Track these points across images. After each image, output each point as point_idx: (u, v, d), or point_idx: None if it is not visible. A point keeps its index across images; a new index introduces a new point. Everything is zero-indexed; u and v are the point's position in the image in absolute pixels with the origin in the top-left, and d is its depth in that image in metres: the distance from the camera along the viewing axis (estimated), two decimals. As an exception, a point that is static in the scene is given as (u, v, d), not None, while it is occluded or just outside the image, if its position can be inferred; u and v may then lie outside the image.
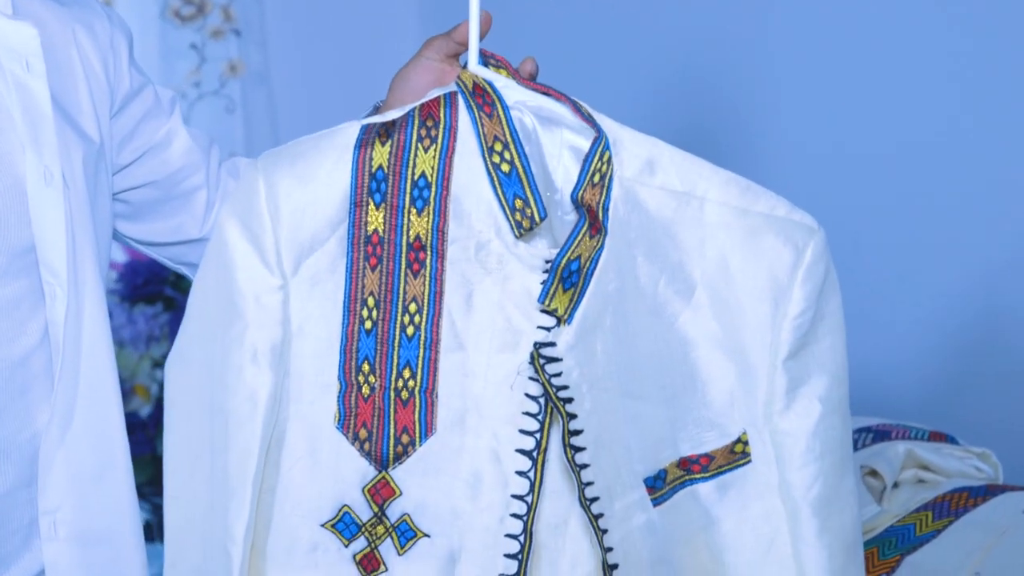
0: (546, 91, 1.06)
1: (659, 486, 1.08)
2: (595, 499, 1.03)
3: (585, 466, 1.02)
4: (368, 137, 1.05)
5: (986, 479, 1.79)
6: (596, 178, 1.04)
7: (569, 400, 1.02)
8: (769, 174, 2.46)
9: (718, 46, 2.66)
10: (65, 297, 1.14)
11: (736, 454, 1.09)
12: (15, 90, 1.14)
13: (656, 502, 1.07)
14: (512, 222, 1.03)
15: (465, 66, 1.09)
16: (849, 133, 2.40)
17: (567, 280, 1.02)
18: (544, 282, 1.03)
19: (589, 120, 1.05)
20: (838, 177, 2.40)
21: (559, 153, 1.08)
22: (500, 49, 1.14)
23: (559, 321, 1.03)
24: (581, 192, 1.03)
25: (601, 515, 1.04)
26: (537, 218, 1.02)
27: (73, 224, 1.15)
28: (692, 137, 2.49)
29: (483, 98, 1.05)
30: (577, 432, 1.02)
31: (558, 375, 1.01)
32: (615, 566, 1.06)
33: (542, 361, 1.01)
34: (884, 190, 2.33)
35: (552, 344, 1.00)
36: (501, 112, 1.05)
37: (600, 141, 1.03)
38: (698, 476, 1.09)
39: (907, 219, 2.28)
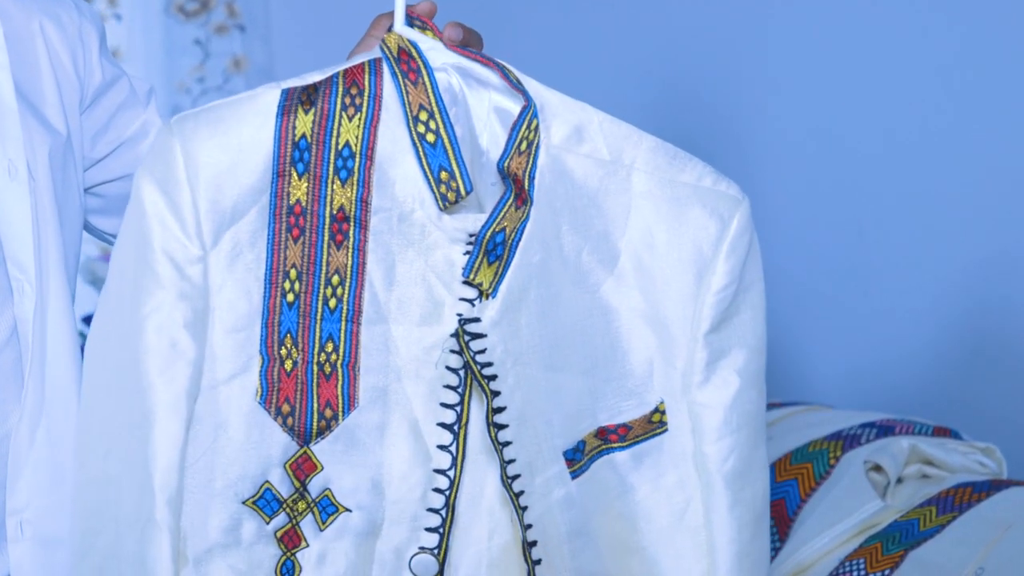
0: (473, 57, 1.06)
1: (578, 458, 1.08)
2: (516, 476, 1.04)
3: (508, 443, 1.03)
4: (291, 103, 1.02)
5: (990, 474, 1.82)
6: (523, 146, 1.03)
7: (493, 377, 1.02)
8: (771, 165, 2.49)
9: (713, 39, 2.67)
10: (34, 293, 1.12)
11: (653, 424, 1.10)
12: None
13: (575, 475, 1.08)
14: (437, 194, 1.02)
15: (391, 29, 1.06)
16: (851, 125, 2.42)
17: (491, 253, 1.02)
18: (469, 255, 1.03)
19: (518, 87, 1.04)
20: (842, 170, 2.42)
21: (486, 116, 1.07)
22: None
23: (482, 294, 1.03)
24: (508, 161, 1.02)
25: (522, 492, 1.04)
26: (463, 191, 1.02)
27: (39, 218, 1.14)
28: (690, 126, 2.52)
29: (408, 64, 1.04)
30: (500, 409, 1.02)
31: (482, 352, 1.01)
32: (534, 543, 1.07)
33: (467, 338, 1.01)
34: (888, 182, 2.36)
35: (476, 320, 1.01)
36: (426, 78, 1.03)
37: (529, 109, 1.02)
38: (615, 445, 1.10)
39: (911, 211, 2.30)
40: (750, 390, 1.11)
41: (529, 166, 1.04)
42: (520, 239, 1.03)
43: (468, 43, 1.09)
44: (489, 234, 1.02)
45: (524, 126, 1.02)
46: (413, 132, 1.03)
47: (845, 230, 2.41)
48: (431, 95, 1.03)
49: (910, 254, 2.33)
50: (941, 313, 2.27)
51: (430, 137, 1.03)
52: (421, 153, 1.03)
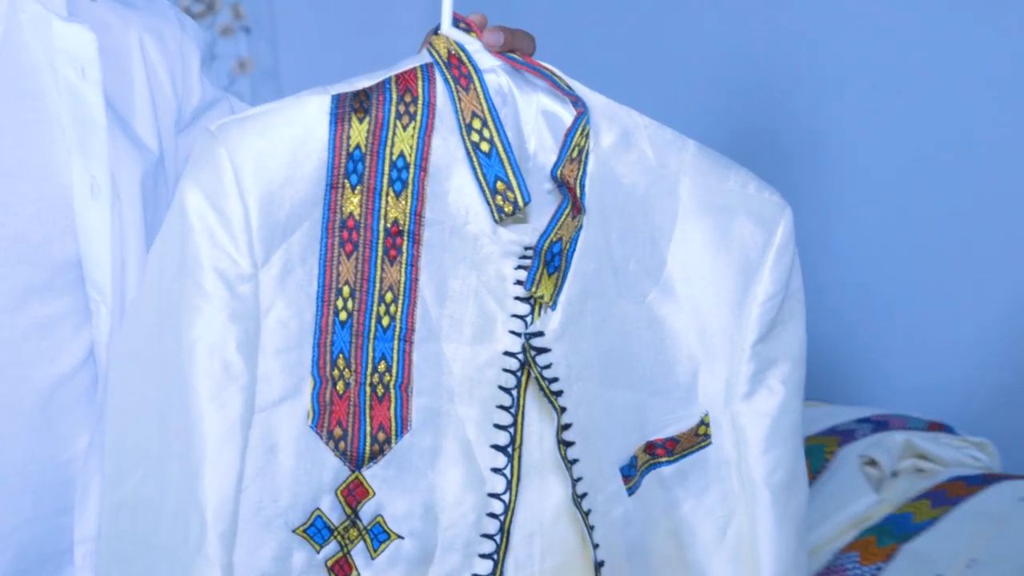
0: (516, 65, 1.03)
1: (632, 474, 1.05)
2: (584, 495, 1.00)
3: (576, 461, 0.99)
4: (343, 111, 0.97)
5: (983, 468, 1.85)
6: (575, 153, 0.99)
7: (559, 393, 0.98)
8: (829, 187, 2.46)
9: (775, 49, 2.65)
10: (109, 316, 1.07)
11: (699, 436, 1.07)
12: (67, 96, 1.09)
13: (630, 492, 1.05)
14: (492, 206, 0.98)
15: (437, 31, 1.02)
16: (925, 134, 2.38)
17: (550, 264, 0.98)
18: (522, 268, 0.99)
19: (569, 92, 1.00)
20: (913, 177, 2.39)
21: (535, 120, 1.04)
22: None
23: (535, 308, 1.00)
24: (561, 169, 0.98)
25: (589, 511, 1.01)
26: (521, 203, 0.97)
27: (123, 239, 1.09)
28: (756, 139, 2.52)
29: (459, 69, 1.00)
30: (567, 426, 0.98)
31: (548, 367, 0.98)
32: (602, 563, 1.03)
33: (532, 352, 0.97)
34: (962, 188, 2.31)
35: (540, 334, 0.97)
36: (478, 84, 0.99)
37: (584, 116, 0.99)
38: (663, 460, 1.07)
39: (983, 222, 2.26)
40: (795, 400, 1.09)
41: (580, 173, 1.00)
42: (575, 249, 0.99)
43: (514, 45, 1.04)
44: (547, 245, 0.97)
45: (579, 132, 0.99)
46: (467, 141, 0.98)
47: (914, 238, 2.39)
48: (483, 102, 0.99)
49: (981, 264, 2.30)
50: (1011, 326, 2.23)
51: (484, 146, 0.98)
52: (476, 163, 0.98)
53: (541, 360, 0.97)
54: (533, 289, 0.98)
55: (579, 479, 0.99)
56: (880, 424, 1.97)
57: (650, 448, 1.06)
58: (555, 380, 0.98)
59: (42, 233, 1.08)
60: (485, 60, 1.00)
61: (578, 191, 0.99)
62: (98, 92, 1.10)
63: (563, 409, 0.98)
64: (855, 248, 2.40)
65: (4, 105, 1.10)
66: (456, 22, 1.01)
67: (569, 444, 0.99)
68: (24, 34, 1.10)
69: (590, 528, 1.02)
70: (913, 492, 1.80)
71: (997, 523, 1.65)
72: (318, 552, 1.00)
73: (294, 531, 0.98)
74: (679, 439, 1.07)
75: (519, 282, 1.00)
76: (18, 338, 1.08)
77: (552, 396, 0.98)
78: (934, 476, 1.83)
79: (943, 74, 2.28)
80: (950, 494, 1.75)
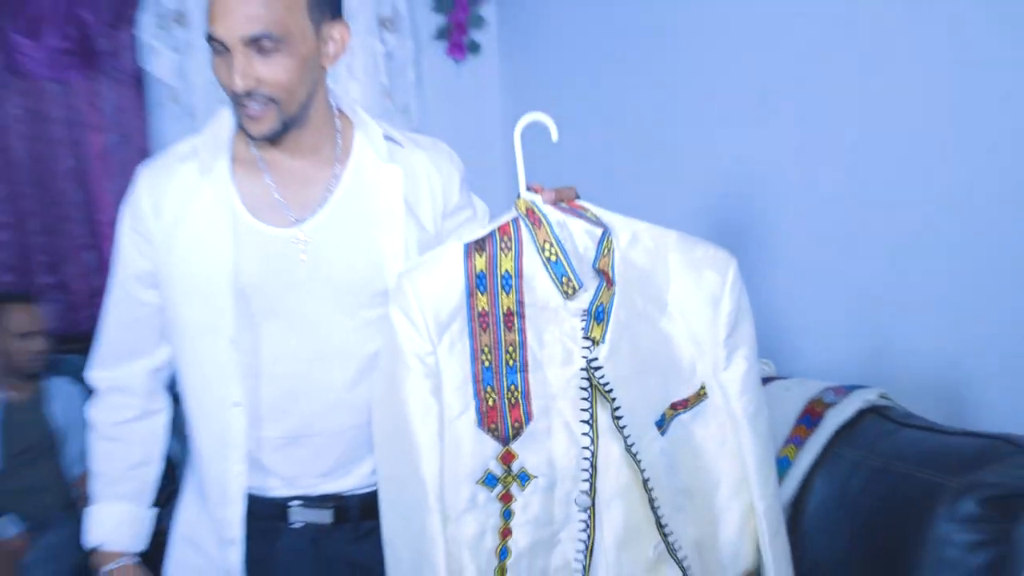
0: (561, 209, 1.59)
1: (662, 423, 1.58)
2: (632, 444, 1.53)
3: (624, 426, 1.53)
4: (471, 251, 1.56)
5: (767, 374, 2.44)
6: (605, 251, 1.55)
7: (610, 391, 1.53)
8: (768, 249, 2.74)
9: (740, 168, 2.93)
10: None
11: (700, 395, 1.62)
12: (385, 204, 1.73)
13: (663, 434, 1.58)
14: (561, 290, 1.54)
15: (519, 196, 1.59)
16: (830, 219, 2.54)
17: (597, 317, 1.53)
18: (585, 321, 1.54)
19: (595, 221, 1.58)
20: (824, 250, 2.57)
21: (581, 234, 1.59)
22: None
23: (593, 343, 1.54)
24: (598, 262, 1.55)
25: (637, 453, 1.54)
26: (576, 286, 1.54)
27: None
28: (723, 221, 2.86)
29: (533, 216, 1.56)
30: (617, 408, 1.53)
31: (602, 377, 1.53)
32: (648, 479, 1.55)
33: (593, 370, 1.53)
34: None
35: (595, 359, 1.54)
36: (545, 223, 1.56)
37: (607, 233, 1.56)
38: (681, 411, 1.61)
39: None
40: (753, 367, 1.64)
41: (611, 262, 1.55)
42: (612, 307, 1.53)
43: (562, 197, 1.59)
44: (594, 308, 1.53)
45: (604, 242, 1.55)
46: (543, 257, 1.55)
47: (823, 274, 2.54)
48: (549, 233, 1.55)
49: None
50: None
51: (552, 257, 1.55)
52: (549, 269, 1.55)
53: (598, 374, 1.53)
54: (590, 333, 1.54)
55: (628, 436, 1.53)
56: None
57: (674, 406, 1.60)
58: (607, 384, 1.53)
59: (368, 276, 1.71)
60: (547, 208, 1.57)
61: (611, 273, 1.54)
62: (400, 199, 1.75)
63: (613, 399, 1.53)
64: (786, 281, 2.62)
65: (359, 216, 1.73)
66: (528, 187, 1.59)
67: (618, 417, 1.53)
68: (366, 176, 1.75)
69: (638, 461, 1.54)
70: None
71: (772, 398, 2.02)
72: (491, 492, 1.56)
73: (476, 482, 1.56)
74: (689, 399, 1.61)
75: (583, 330, 1.55)
76: (354, 327, 1.72)
77: (605, 393, 1.53)
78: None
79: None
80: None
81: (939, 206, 2.18)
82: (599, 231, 1.56)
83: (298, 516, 1.77)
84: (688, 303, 1.60)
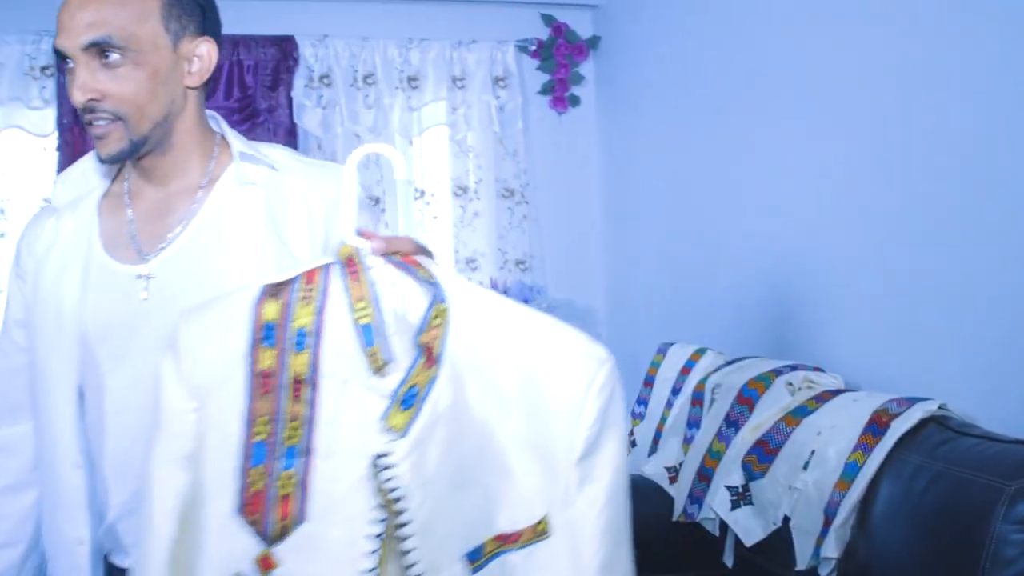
0: (393, 264, 1.09)
1: (477, 557, 1.07)
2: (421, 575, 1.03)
3: (411, 550, 1.02)
4: (264, 296, 1.07)
5: (837, 386, 2.50)
6: (435, 323, 1.05)
7: (399, 499, 1.01)
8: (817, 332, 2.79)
9: (777, 257, 2.95)
10: None
11: (539, 531, 1.08)
12: (241, 233, 1.35)
13: (475, 571, 1.06)
14: (369, 362, 1.03)
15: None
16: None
17: (406, 402, 1.02)
18: (387, 406, 1.03)
19: (431, 283, 1.07)
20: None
21: (416, 298, 1.08)
22: None
23: (393, 435, 1.02)
24: (421, 336, 1.04)
25: None
26: (385, 361, 1.03)
27: None
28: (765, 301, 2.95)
29: (352, 266, 1.07)
30: (403, 524, 1.01)
31: (389, 480, 1.01)
32: None
33: (377, 469, 1.01)
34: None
35: (387, 454, 1.01)
36: (364, 276, 1.07)
37: (437, 300, 1.06)
38: (509, 547, 1.08)
39: None
40: (613, 503, 1.09)
41: (442, 337, 1.05)
42: (429, 393, 1.03)
43: (394, 249, 1.09)
44: (404, 389, 1.03)
45: (434, 310, 1.05)
46: (353, 317, 1.05)
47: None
48: (366, 289, 1.05)
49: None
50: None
51: (364, 320, 1.04)
52: (358, 332, 1.04)
53: (385, 475, 1.01)
54: (388, 421, 1.02)
55: (413, 564, 1.02)
56: (794, 366, 2.60)
57: (500, 538, 1.07)
58: (394, 489, 1.01)
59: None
60: (374, 260, 1.08)
61: (437, 350, 1.04)
62: (258, 226, 1.35)
63: (399, 511, 1.01)
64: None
65: (213, 249, 1.34)
66: (359, 232, 1.09)
67: (405, 537, 1.01)
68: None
69: None
70: (806, 396, 2.45)
71: (839, 410, 2.28)
72: None
73: None
74: (523, 532, 1.08)
75: (381, 417, 1.03)
76: None
77: (389, 501, 1.01)
78: (815, 390, 2.48)
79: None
80: (823, 397, 2.39)
81: (989, 244, 2.16)
82: (430, 296, 1.08)
83: None
84: (543, 403, 1.07)
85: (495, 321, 1.08)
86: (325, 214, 1.39)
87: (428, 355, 1.05)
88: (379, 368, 1.04)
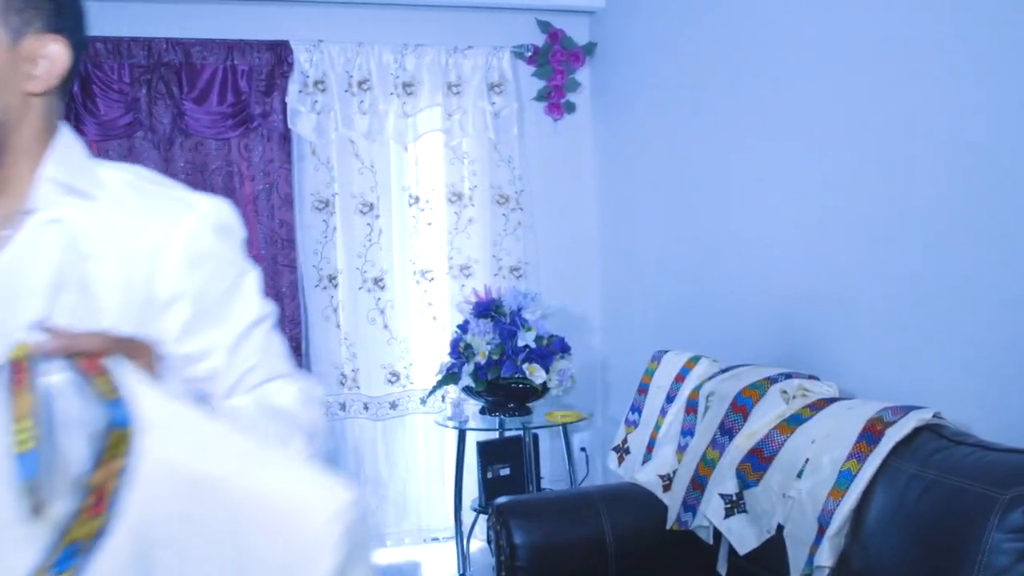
0: (79, 367, 0.85)
1: None
2: None
3: None
4: None
5: (832, 394, 2.52)
6: (112, 456, 0.81)
7: None
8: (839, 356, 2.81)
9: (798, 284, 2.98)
10: None
11: None
12: (30, 277, 1.05)
13: None
14: (25, 501, 0.80)
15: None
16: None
17: (64, 562, 0.79)
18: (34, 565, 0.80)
19: (113, 403, 0.82)
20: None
21: (89, 420, 0.83)
22: None
23: None
24: (93, 476, 0.80)
25: None
26: (46, 502, 0.81)
27: None
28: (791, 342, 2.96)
29: (19, 372, 0.82)
30: None
31: None
32: None
33: None
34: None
35: None
36: (32, 386, 0.82)
37: (117, 426, 0.81)
38: None
39: None
40: None
41: (119, 475, 0.80)
42: (95, 550, 0.80)
43: (77, 350, 0.86)
44: (63, 545, 0.79)
45: (112, 440, 0.80)
46: (9, 441, 0.80)
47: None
48: (34, 406, 0.81)
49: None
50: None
51: (24, 446, 0.80)
52: (14, 463, 0.80)
53: None
54: None
55: None
56: (788, 374, 2.61)
57: None
58: None
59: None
60: (50, 366, 0.84)
61: (112, 493, 0.81)
62: (46, 270, 1.05)
63: None
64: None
65: (21, 289, 1.05)
66: (43, 325, 0.88)
67: None
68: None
69: None
70: (801, 404, 2.45)
71: (834, 418, 2.28)
72: None
73: None
74: None
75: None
76: None
77: None
78: (809, 398, 2.49)
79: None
80: (817, 405, 2.39)
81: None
82: (108, 418, 0.82)
83: None
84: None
85: (199, 458, 0.83)
86: (149, 262, 1.09)
87: (98, 498, 0.80)
88: (38, 510, 0.80)
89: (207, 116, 4.02)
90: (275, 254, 4.13)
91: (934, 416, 2.11)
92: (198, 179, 4.05)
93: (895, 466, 2.02)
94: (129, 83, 3.93)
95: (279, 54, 4.08)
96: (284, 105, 4.09)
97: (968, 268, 2.20)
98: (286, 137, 4.12)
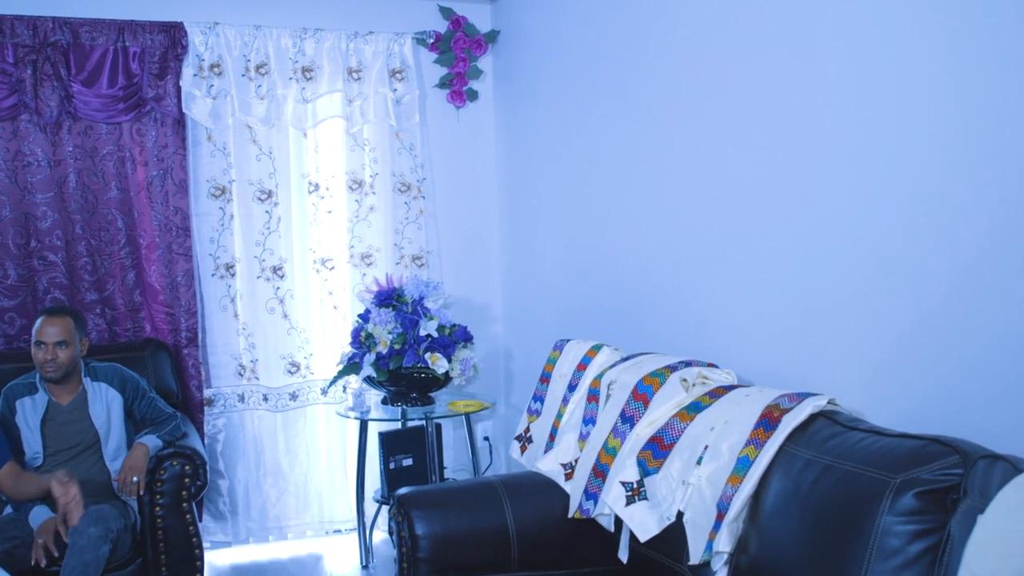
0: None
1: None
2: None
3: None
4: None
5: (721, 383, 2.58)
6: None
7: None
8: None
9: None
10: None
11: None
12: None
13: None
14: None
15: None
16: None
17: None
18: None
19: None
20: None
21: None
22: None
23: None
24: None
25: None
26: None
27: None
28: None
29: None
30: None
31: None
32: None
33: None
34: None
35: None
36: None
37: None
38: None
39: None
40: None
41: None
42: None
43: None
44: None
45: None
46: None
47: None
48: None
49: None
50: None
51: None
52: None
53: None
54: None
55: None
56: (687, 362, 2.66)
57: None
58: None
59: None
60: None
61: None
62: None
63: None
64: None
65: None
66: None
67: None
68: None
69: None
70: (700, 392, 2.51)
71: (733, 405, 2.34)
72: None
73: None
74: None
75: None
76: None
77: None
78: (709, 385, 2.55)
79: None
80: (716, 393, 2.45)
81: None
82: None
83: None
84: None
85: None
86: None
87: None
88: None
89: (97, 99, 3.86)
90: (170, 242, 4.00)
91: (829, 403, 2.15)
92: (88, 164, 3.89)
93: (791, 452, 2.05)
94: (13, 63, 3.74)
95: (173, 36, 3.94)
96: (178, 89, 3.95)
97: (862, 261, 2.23)
98: (180, 122, 3.99)
